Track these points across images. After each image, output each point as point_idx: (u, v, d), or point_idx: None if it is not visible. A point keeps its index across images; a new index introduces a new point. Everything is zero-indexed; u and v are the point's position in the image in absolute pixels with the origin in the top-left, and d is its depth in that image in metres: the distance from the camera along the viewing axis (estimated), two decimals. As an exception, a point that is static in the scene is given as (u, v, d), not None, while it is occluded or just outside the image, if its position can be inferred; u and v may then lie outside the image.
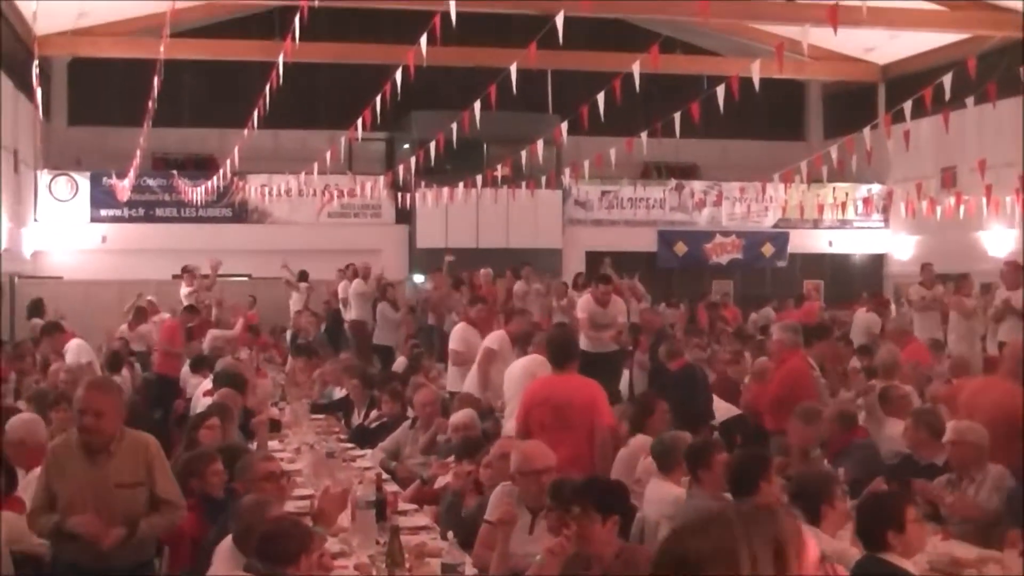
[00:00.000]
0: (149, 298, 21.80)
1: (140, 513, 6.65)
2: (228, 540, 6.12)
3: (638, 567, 5.70)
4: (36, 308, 19.61)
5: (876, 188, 29.70)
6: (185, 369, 16.58)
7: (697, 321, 23.19)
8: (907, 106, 14.33)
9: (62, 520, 6.54)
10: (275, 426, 11.78)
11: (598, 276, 16.05)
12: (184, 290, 22.09)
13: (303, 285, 23.15)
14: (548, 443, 7.93)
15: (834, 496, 6.41)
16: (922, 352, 14.66)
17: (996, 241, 25.88)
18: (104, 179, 26.20)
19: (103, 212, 26.80)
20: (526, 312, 14.33)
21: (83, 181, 26.72)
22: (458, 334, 13.93)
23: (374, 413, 12.64)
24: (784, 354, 11.57)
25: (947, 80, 13.17)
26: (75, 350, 14.86)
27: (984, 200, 19.92)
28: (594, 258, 26.49)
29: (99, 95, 28.28)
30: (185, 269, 22.57)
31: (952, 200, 21.41)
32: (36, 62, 22.28)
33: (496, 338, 13.00)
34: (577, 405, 9.07)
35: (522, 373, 10.91)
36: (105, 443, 6.61)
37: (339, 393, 14.77)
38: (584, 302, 15.09)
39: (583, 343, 14.91)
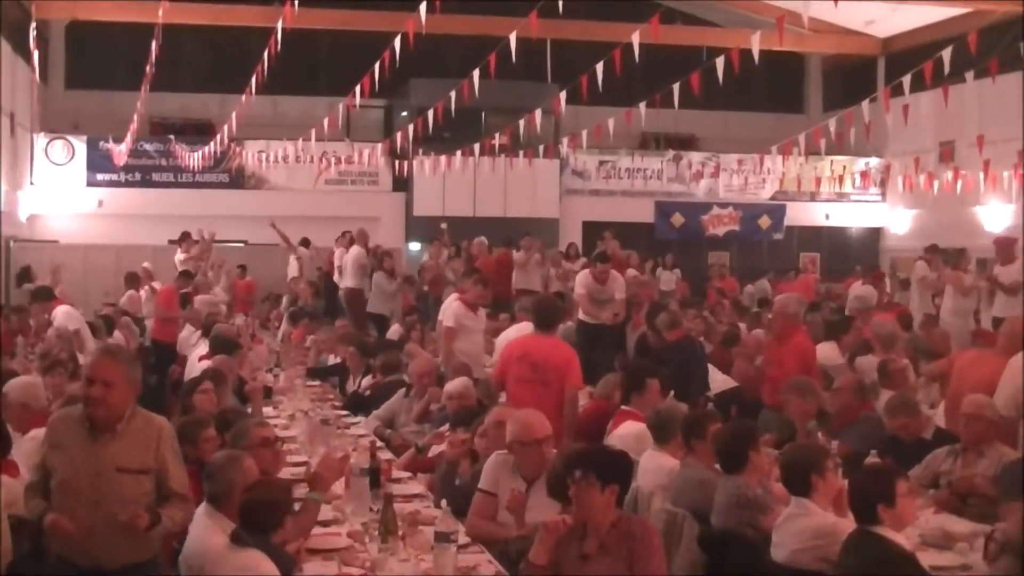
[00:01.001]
0: (145, 265, 21.76)
1: (141, 503, 5.89)
2: (203, 504, 6.08)
3: (634, 536, 5.72)
4: (25, 275, 19.48)
5: (874, 162, 29.72)
6: (184, 334, 16.58)
7: (705, 295, 23.29)
8: (906, 80, 14.31)
9: (47, 510, 5.92)
10: (266, 393, 11.77)
11: (596, 254, 16.06)
12: (179, 256, 22.07)
13: (304, 251, 23.11)
14: (521, 395, 9.45)
15: (825, 469, 6.41)
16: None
17: (993, 216, 25.89)
18: (101, 143, 26.19)
19: (100, 176, 26.77)
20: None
21: (80, 145, 26.68)
22: (450, 310, 13.82)
23: (368, 380, 12.65)
24: (788, 330, 11.60)
25: (947, 54, 13.14)
26: (63, 316, 14.69)
27: (982, 175, 19.94)
28: (591, 228, 26.52)
29: (97, 59, 28.20)
30: (184, 235, 22.56)
31: (950, 175, 21.44)
32: (34, 25, 22.23)
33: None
34: (552, 364, 9.82)
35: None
36: (112, 420, 5.89)
37: (333, 360, 14.78)
38: (583, 278, 15.24)
39: (583, 316, 15.05)
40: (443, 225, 23.36)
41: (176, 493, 6.05)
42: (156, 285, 19.94)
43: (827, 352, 11.95)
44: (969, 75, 14.73)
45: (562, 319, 16.61)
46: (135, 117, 21.97)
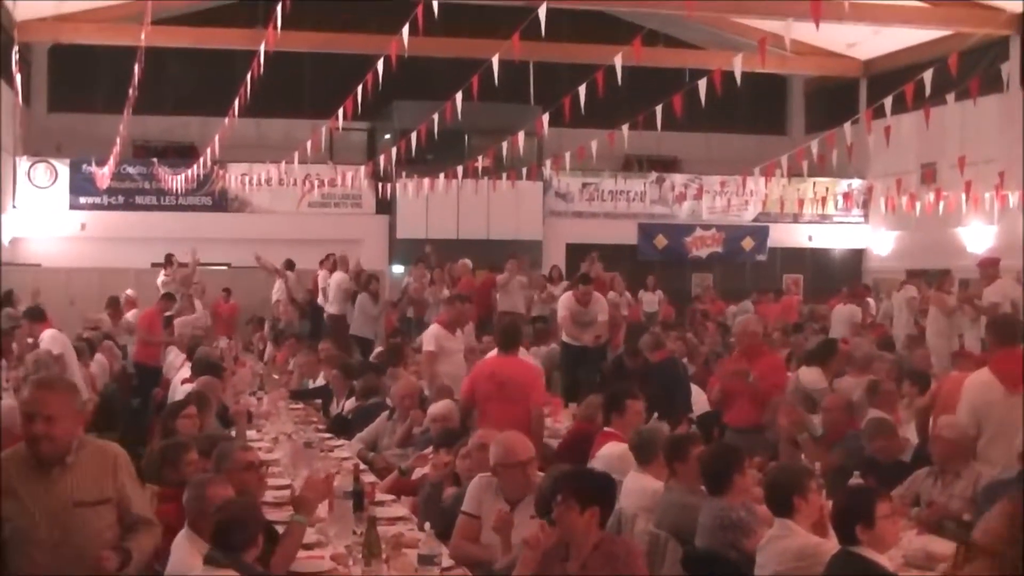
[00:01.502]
0: (128, 292, 21.71)
1: (106, 536, 5.54)
2: (184, 529, 6.09)
3: (617, 557, 5.72)
4: (7, 299, 19.36)
5: (856, 183, 29.79)
6: (170, 358, 16.56)
7: (687, 317, 23.36)
8: (888, 102, 14.35)
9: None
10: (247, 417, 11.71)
11: (579, 276, 16.13)
12: (161, 278, 22.06)
13: (291, 274, 23.08)
14: (491, 413, 9.96)
15: (807, 489, 6.42)
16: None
17: (975, 237, 25.96)
18: (84, 166, 26.19)
19: (82, 199, 26.72)
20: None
21: (62, 168, 26.65)
22: (429, 333, 13.76)
23: (351, 403, 12.63)
24: (753, 350, 11.63)
25: (928, 76, 13.19)
26: (48, 340, 14.62)
27: (964, 196, 19.99)
28: (574, 250, 26.52)
29: (80, 82, 28.16)
30: (168, 257, 22.57)
31: (932, 196, 21.48)
32: (16, 48, 22.21)
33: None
34: (517, 383, 10.43)
35: None
36: (60, 454, 5.45)
37: (316, 383, 14.75)
38: (566, 300, 15.43)
39: (566, 338, 15.11)
40: (427, 248, 23.35)
41: (140, 519, 5.73)
42: (136, 312, 19.90)
43: (811, 376, 11.91)
44: (950, 97, 14.76)
45: (544, 341, 16.77)
46: (118, 140, 21.93)
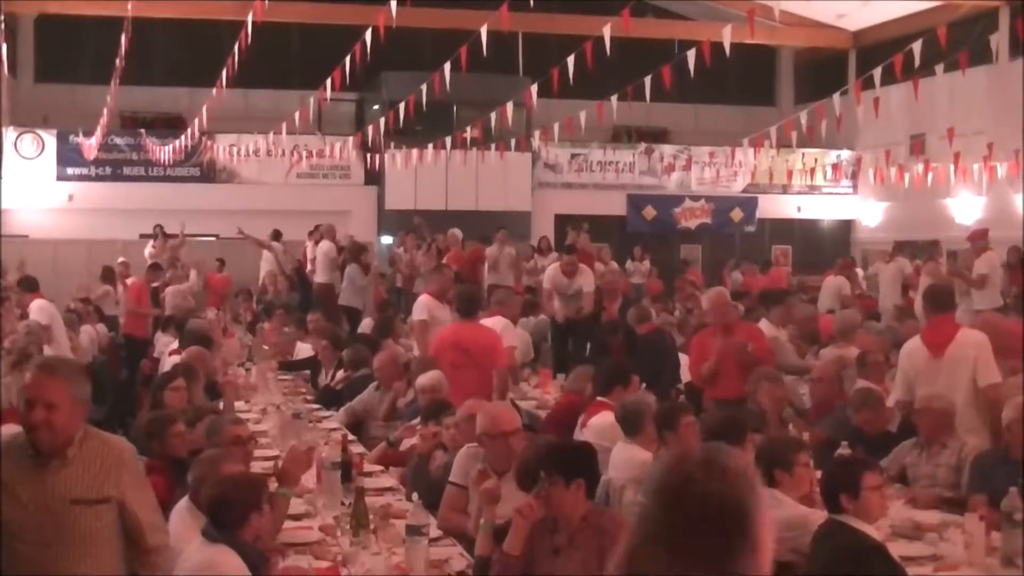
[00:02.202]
0: (121, 260, 21.67)
1: (106, 539, 5.08)
2: (185, 499, 6.09)
3: (604, 530, 5.72)
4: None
5: (845, 154, 29.82)
6: (158, 333, 16.55)
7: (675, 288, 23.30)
8: (877, 73, 14.37)
9: None
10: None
11: (564, 247, 16.14)
12: (148, 250, 22.02)
13: (277, 245, 23.01)
14: (457, 379, 9.84)
15: (793, 464, 6.44)
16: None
17: (964, 208, 26.00)
18: (71, 137, 26.10)
19: (70, 171, 26.63)
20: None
21: (49, 139, 26.54)
22: (420, 303, 13.73)
23: (340, 374, 12.64)
24: (730, 321, 11.62)
25: (917, 48, 13.19)
26: (36, 310, 14.55)
27: (952, 168, 20.03)
28: (563, 221, 26.54)
29: (67, 52, 28.06)
30: (156, 228, 22.54)
31: (921, 167, 21.55)
32: (2, 18, 22.05)
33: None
34: (481, 347, 10.67)
35: None
36: (60, 446, 4.98)
37: (306, 352, 14.75)
38: (551, 272, 15.42)
39: (553, 311, 15.13)
40: (416, 220, 23.31)
41: (152, 548, 5.22)
42: (129, 281, 19.88)
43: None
44: (939, 68, 14.78)
45: (534, 312, 16.76)
46: (105, 111, 21.88)
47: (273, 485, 6.56)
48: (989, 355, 8.81)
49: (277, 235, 23.10)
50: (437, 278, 13.42)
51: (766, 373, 9.59)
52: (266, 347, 15.64)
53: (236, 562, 5.31)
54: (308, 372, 14.02)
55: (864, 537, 5.67)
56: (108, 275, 20.37)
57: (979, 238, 17.69)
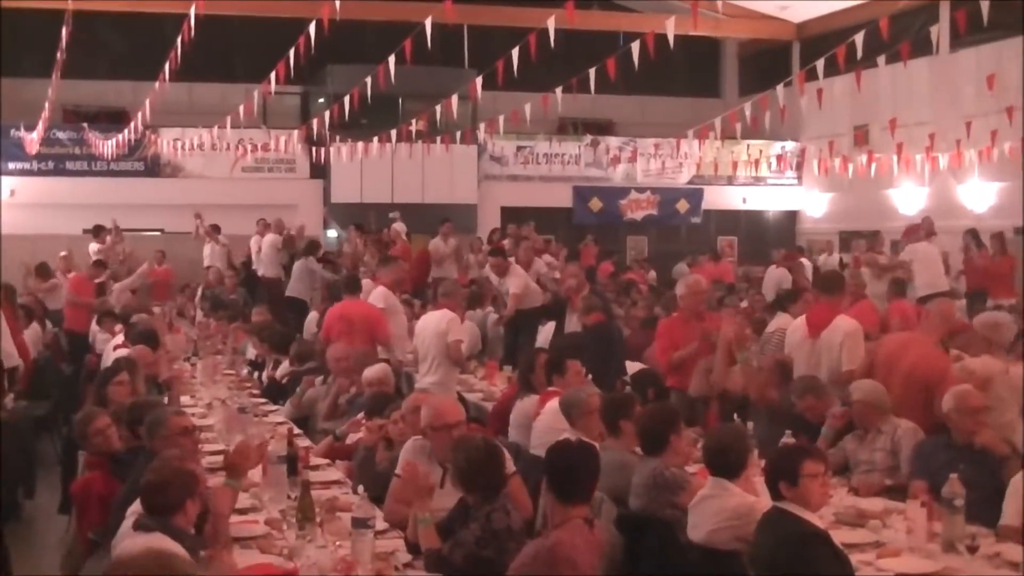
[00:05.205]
0: (63, 254, 21.48)
1: None
2: (138, 502, 6.05)
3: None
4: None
5: (790, 146, 29.94)
6: (93, 326, 16.42)
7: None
8: (820, 64, 14.46)
9: None
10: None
11: (491, 249, 16.29)
12: (93, 246, 21.86)
13: (224, 239, 22.88)
14: (347, 344, 11.55)
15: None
16: (869, 311, 14.42)
17: (907, 199, 26.21)
18: (12, 131, 25.79)
19: (11, 165, 26.30)
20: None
21: (-10, 133, 26.26)
22: (377, 294, 13.77)
23: (284, 366, 12.63)
24: (700, 309, 11.67)
25: (859, 39, 13.28)
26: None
27: (895, 158, 20.19)
28: (509, 213, 26.57)
29: (8, 45, 27.69)
30: (97, 227, 22.36)
31: (864, 158, 21.67)
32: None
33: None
34: (362, 319, 12.58)
35: (434, 328, 11.60)
36: None
37: (252, 352, 14.71)
38: (487, 270, 15.70)
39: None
40: (392, 213, 23.16)
41: None
42: (71, 275, 19.72)
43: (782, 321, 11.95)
44: (881, 60, 14.89)
45: (480, 305, 16.79)
46: (47, 104, 21.68)
47: (221, 478, 6.54)
48: (855, 342, 9.54)
49: (216, 230, 22.98)
50: (393, 268, 13.62)
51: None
52: (208, 343, 15.63)
53: (174, 547, 5.27)
54: (253, 369, 13.98)
55: (805, 524, 5.72)
56: (44, 272, 20.16)
57: (911, 233, 18.02)
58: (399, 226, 21.71)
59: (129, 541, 5.40)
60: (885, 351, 9.49)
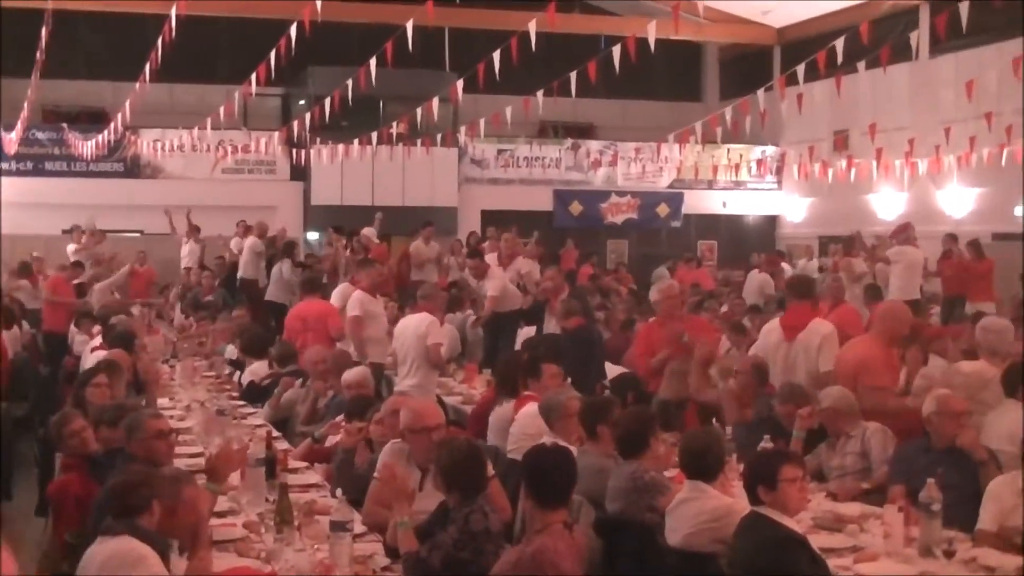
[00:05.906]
0: (35, 254, 21.41)
1: None
2: None
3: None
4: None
5: (770, 150, 30.03)
6: (72, 327, 16.37)
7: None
8: (801, 69, 14.49)
9: None
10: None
11: (468, 251, 16.35)
12: (71, 247, 21.79)
13: (202, 239, 22.81)
14: (300, 342, 12.98)
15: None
16: (852, 315, 14.43)
17: (886, 204, 26.29)
18: (-10, 131, 25.71)
19: (-10, 165, 26.24)
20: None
21: (-32, 133, 26.14)
22: (355, 299, 13.70)
23: (264, 369, 12.58)
24: (678, 312, 11.73)
25: (840, 44, 13.32)
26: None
27: (875, 163, 20.26)
28: (490, 217, 26.57)
29: (-14, 45, 27.66)
30: (74, 227, 22.29)
31: (844, 163, 21.73)
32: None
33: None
34: (317, 317, 13.74)
35: (414, 331, 11.65)
36: None
37: (232, 352, 14.66)
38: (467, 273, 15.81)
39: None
40: (378, 214, 23.12)
41: None
42: (50, 273, 19.67)
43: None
44: (861, 65, 14.93)
45: (460, 308, 16.77)
46: (26, 104, 21.59)
47: (201, 481, 6.52)
48: (832, 344, 9.59)
49: (196, 231, 22.91)
50: (369, 273, 13.53)
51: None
52: (186, 345, 15.59)
53: (143, 549, 5.25)
54: (234, 369, 13.93)
55: (784, 529, 5.74)
56: (25, 270, 20.09)
57: (900, 233, 18.02)
58: (368, 231, 21.54)
59: (96, 547, 5.37)
60: (840, 355, 9.59)
